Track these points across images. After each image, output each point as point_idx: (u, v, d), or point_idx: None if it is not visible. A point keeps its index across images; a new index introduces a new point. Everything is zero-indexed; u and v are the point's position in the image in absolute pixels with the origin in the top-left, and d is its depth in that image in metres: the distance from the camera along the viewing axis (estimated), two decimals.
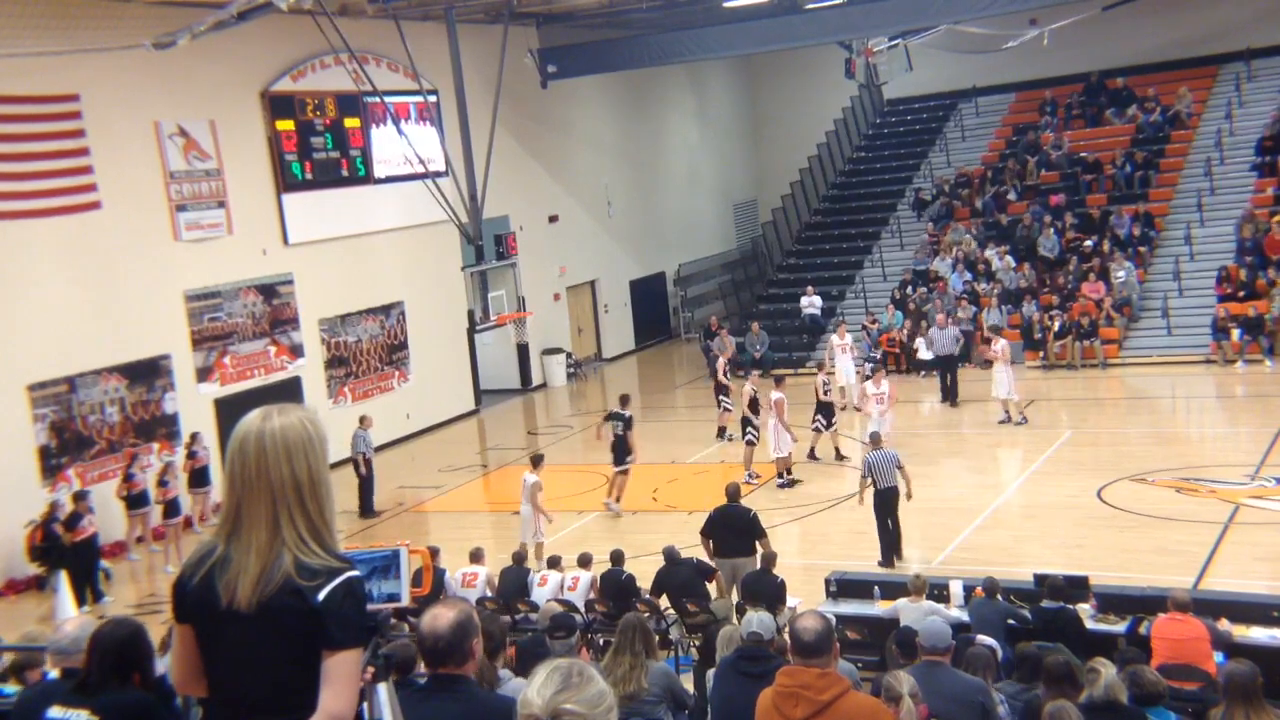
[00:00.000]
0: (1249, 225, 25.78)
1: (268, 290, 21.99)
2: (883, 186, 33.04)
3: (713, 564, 13.12)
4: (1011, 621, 10.27)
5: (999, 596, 10.62)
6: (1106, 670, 6.61)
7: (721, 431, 21.68)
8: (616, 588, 12.44)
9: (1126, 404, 23.19)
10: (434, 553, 12.97)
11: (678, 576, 12.36)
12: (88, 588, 16.13)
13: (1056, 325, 25.25)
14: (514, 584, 12.89)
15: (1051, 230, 27.68)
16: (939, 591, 11.31)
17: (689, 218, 35.09)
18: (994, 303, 26.14)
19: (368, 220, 24.00)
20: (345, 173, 23.72)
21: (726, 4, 26.02)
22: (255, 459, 3.03)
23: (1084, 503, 16.31)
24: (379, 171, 24.28)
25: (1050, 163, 30.11)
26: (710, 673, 7.26)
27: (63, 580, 15.73)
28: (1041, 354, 25.10)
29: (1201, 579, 13.10)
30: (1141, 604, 10.45)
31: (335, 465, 18.86)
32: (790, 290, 30.29)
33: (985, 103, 33.58)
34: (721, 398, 21.83)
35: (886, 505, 14.58)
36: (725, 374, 21.82)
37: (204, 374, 20.70)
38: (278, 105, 22.30)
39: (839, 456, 19.44)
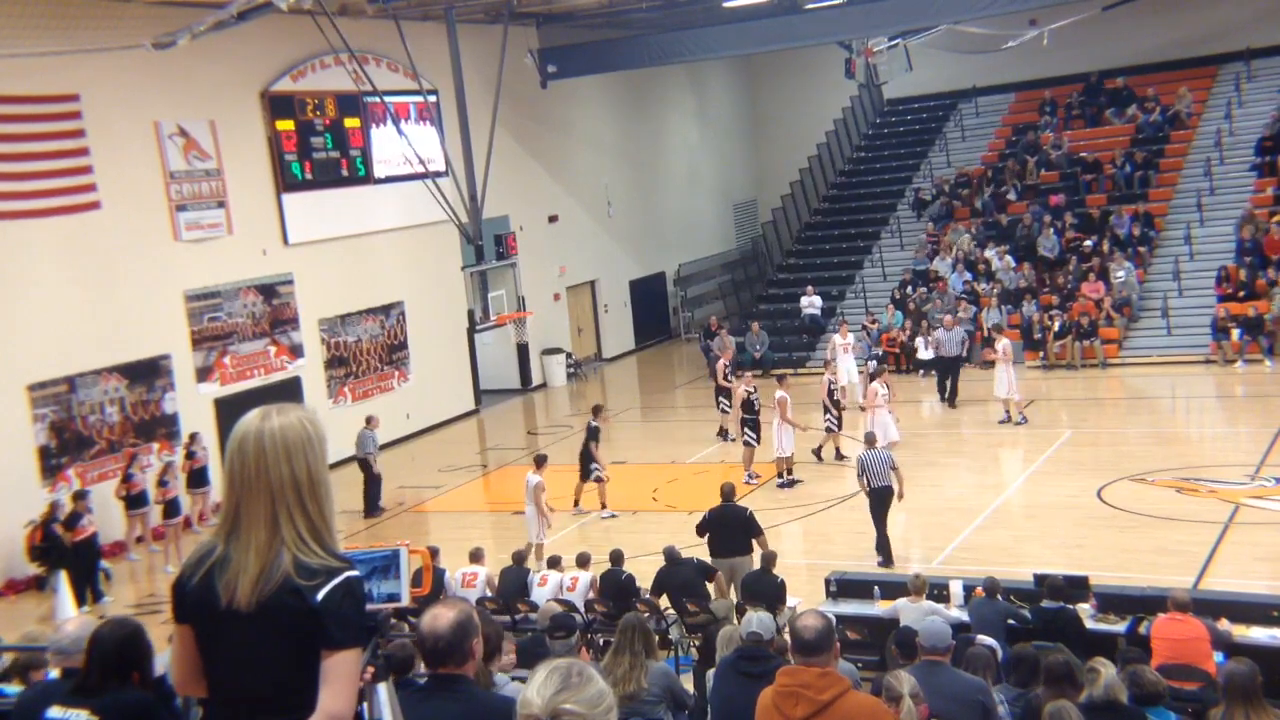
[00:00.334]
0: (1249, 225, 25.78)
1: (268, 290, 21.99)
2: (883, 186, 33.04)
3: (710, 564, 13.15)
4: (1011, 621, 10.27)
5: (999, 596, 10.62)
6: (1106, 670, 6.61)
7: (723, 433, 21.68)
8: (616, 588, 12.44)
9: (1126, 404, 23.19)
10: (434, 553, 12.96)
11: (678, 576, 12.35)
12: (88, 588, 16.14)
13: (1056, 325, 25.25)
14: (514, 584, 12.89)
15: (1051, 230, 27.69)
16: (939, 591, 11.31)
17: (689, 218, 35.09)
18: (994, 303, 26.14)
19: (368, 220, 24.00)
20: (345, 173, 23.72)
21: (726, 4, 26.02)
22: (255, 459, 3.03)
23: (1084, 503, 16.31)
24: (379, 171, 24.28)
25: (1050, 163, 30.11)
26: (710, 673, 7.26)
27: (63, 580, 15.74)
28: (1041, 354, 25.10)
29: (1201, 579, 13.10)
30: (1141, 604, 10.45)
31: (335, 465, 18.89)
32: (790, 290, 30.29)
33: (985, 103, 33.59)
34: (721, 399, 21.85)
35: (881, 504, 14.69)
36: (725, 375, 21.81)
37: (204, 374, 20.71)
38: (278, 105, 22.30)
39: (839, 456, 19.43)
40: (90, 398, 18.75)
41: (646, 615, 10.40)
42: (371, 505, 19.60)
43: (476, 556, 13.52)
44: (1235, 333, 23.75)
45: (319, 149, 23.13)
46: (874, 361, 22.45)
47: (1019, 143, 31.34)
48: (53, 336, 18.17)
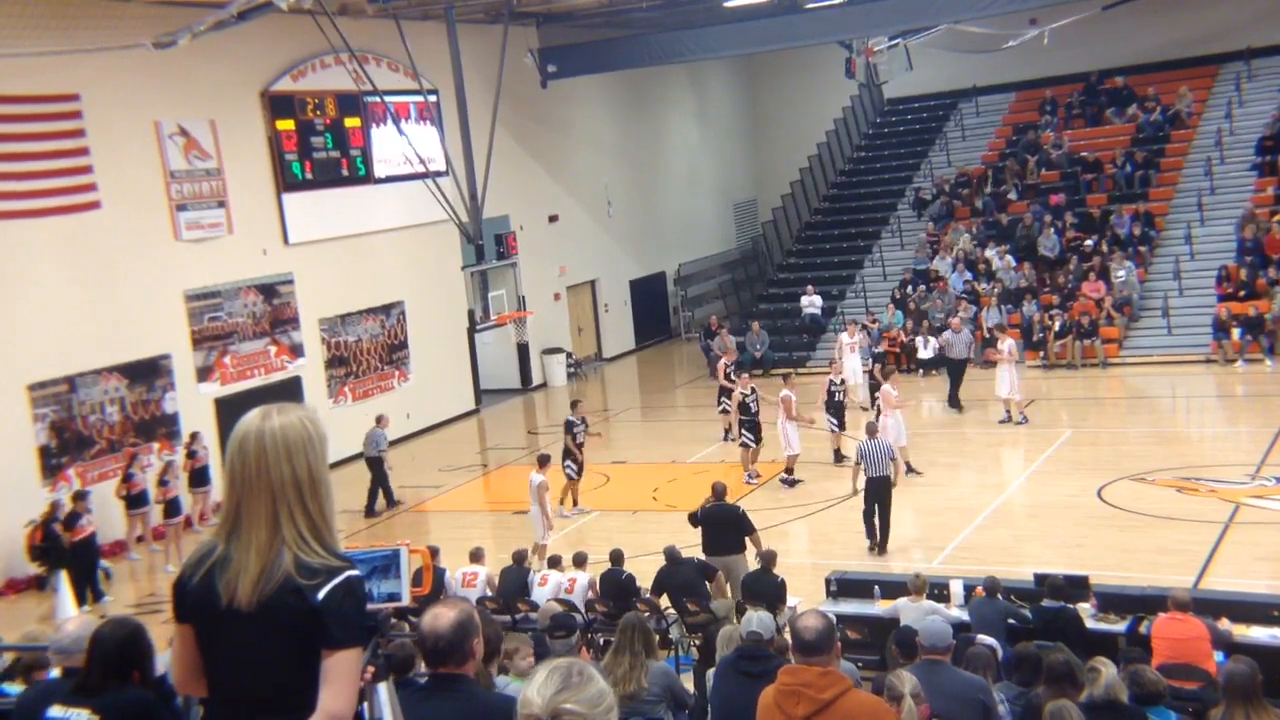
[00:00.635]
0: (1249, 225, 25.77)
1: (268, 290, 21.99)
2: (883, 186, 33.03)
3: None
4: (1012, 621, 10.27)
5: (999, 596, 10.62)
6: (1107, 669, 6.62)
7: (727, 433, 21.64)
8: (616, 588, 12.44)
9: (1127, 403, 23.19)
10: (434, 552, 12.98)
11: (678, 576, 12.35)
12: (88, 587, 16.14)
13: (1057, 325, 25.25)
14: (514, 584, 12.89)
15: (1052, 230, 27.69)
16: (939, 591, 11.31)
17: (689, 217, 35.09)
18: (993, 302, 26.14)
19: (368, 220, 24.00)
20: (345, 172, 23.73)
21: (726, 3, 26.02)
22: (255, 458, 3.03)
23: (1084, 502, 16.31)
24: (379, 171, 24.28)
25: (1050, 162, 30.11)
26: (710, 672, 7.27)
27: (63, 580, 15.75)
28: (1042, 353, 25.09)
29: (1202, 578, 13.10)
30: (1142, 603, 10.45)
31: (335, 465, 18.89)
32: (790, 290, 30.29)
33: (985, 102, 33.58)
34: (723, 399, 21.81)
35: (876, 494, 14.94)
36: (727, 375, 21.65)
37: (204, 374, 20.71)
38: (278, 105, 22.30)
39: (839, 458, 19.30)
40: (90, 397, 18.75)
41: (647, 615, 10.40)
42: (372, 502, 19.61)
43: (477, 556, 13.53)
44: (1236, 332, 23.74)
45: (319, 149, 23.13)
46: (876, 363, 22.40)
47: (1019, 142, 31.34)
48: (53, 336, 18.17)
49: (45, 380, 18.10)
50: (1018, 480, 18.23)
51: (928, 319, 26.38)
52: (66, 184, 18.48)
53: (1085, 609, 10.59)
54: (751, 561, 13.05)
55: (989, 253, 28.08)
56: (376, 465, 19.67)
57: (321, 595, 2.96)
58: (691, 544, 13.70)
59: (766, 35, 26.35)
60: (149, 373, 19.72)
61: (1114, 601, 10.75)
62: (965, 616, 10.52)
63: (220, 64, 20.56)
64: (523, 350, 28.25)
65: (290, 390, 21.69)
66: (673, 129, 35.19)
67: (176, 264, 20.24)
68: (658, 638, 9.39)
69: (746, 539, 13.23)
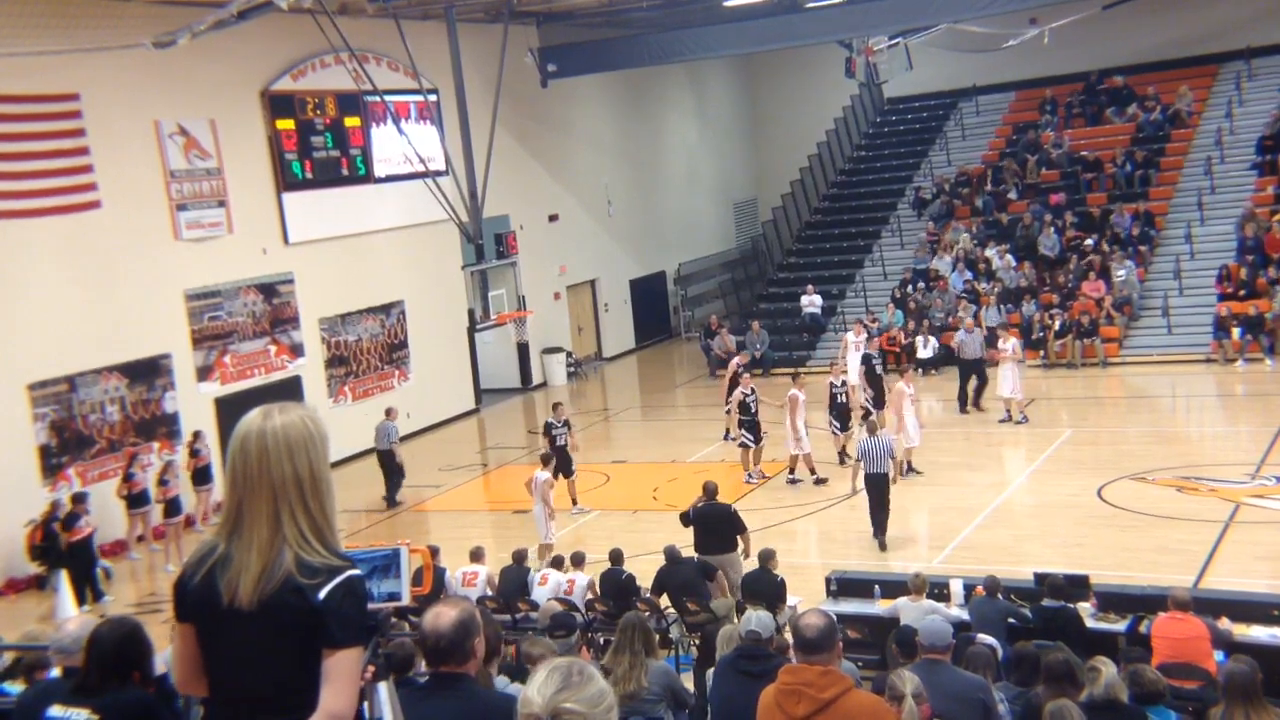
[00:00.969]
0: (1250, 224, 25.77)
1: (268, 289, 21.98)
2: (883, 185, 33.03)
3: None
4: (1012, 620, 10.27)
5: (999, 595, 10.62)
6: (1107, 669, 6.61)
7: (727, 433, 21.59)
8: (616, 587, 12.44)
9: (1127, 403, 23.19)
10: (434, 552, 12.98)
11: (679, 576, 12.36)
12: (87, 587, 16.14)
13: (1057, 324, 25.25)
14: (514, 583, 12.89)
15: (1052, 229, 27.69)
16: (939, 590, 11.31)
17: (689, 217, 35.09)
18: (993, 301, 26.13)
19: (368, 219, 24.00)
20: (345, 172, 23.72)
21: (726, 3, 26.02)
22: (257, 457, 3.03)
23: (1084, 502, 16.31)
24: (379, 170, 24.27)
25: (1050, 161, 30.11)
26: (710, 672, 7.26)
27: (63, 579, 15.75)
28: (1042, 353, 25.09)
29: (1202, 578, 13.10)
30: (1142, 603, 10.45)
31: (336, 464, 18.86)
32: (790, 289, 30.29)
33: (985, 101, 33.58)
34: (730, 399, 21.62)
35: (876, 490, 15.22)
36: (737, 375, 21.27)
37: (204, 373, 20.70)
38: (278, 104, 22.30)
39: (843, 460, 19.20)
40: (91, 397, 18.75)
41: (647, 614, 10.40)
42: (392, 492, 19.86)
43: (477, 555, 13.52)
44: (1236, 331, 23.74)
45: (319, 148, 23.13)
46: (862, 364, 22.16)
47: (1019, 141, 31.34)
48: (53, 336, 18.17)
49: (45, 380, 18.10)
50: (1018, 479, 18.22)
51: (928, 318, 26.38)
52: (66, 183, 18.47)
53: (1085, 608, 10.59)
54: (742, 561, 13.16)
55: (989, 252, 28.09)
56: (388, 458, 19.73)
57: (323, 595, 2.96)
58: (691, 544, 13.70)
59: (766, 35, 26.35)
60: (149, 372, 19.72)
61: (1114, 601, 10.75)
62: (965, 616, 10.51)
63: (220, 63, 20.55)
64: (523, 350, 28.24)
65: (290, 390, 21.69)
66: (673, 128, 35.19)
67: (176, 263, 20.24)
68: (658, 637, 9.38)
69: (737, 537, 13.31)
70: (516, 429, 25.78)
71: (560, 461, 17.66)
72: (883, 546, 15.19)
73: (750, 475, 18.79)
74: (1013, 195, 29.86)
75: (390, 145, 23.94)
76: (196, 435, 19.36)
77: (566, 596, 12.32)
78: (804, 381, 19.04)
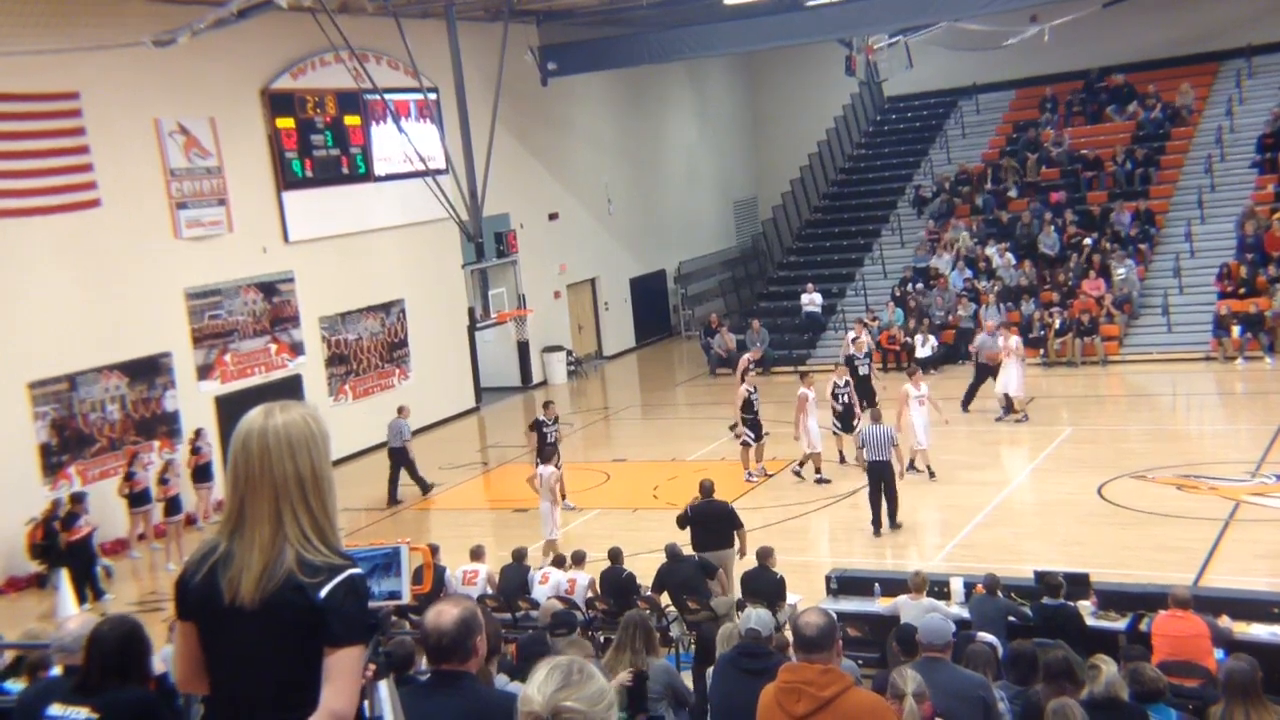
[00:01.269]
0: (1250, 222, 25.77)
1: (268, 288, 21.98)
2: (883, 184, 33.03)
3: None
4: (1012, 618, 10.28)
5: (999, 593, 10.63)
6: (1107, 667, 6.61)
7: (734, 427, 21.51)
8: (616, 586, 12.45)
9: (1127, 401, 23.19)
10: (434, 550, 12.98)
11: (679, 574, 12.36)
12: (87, 586, 16.14)
13: (1057, 322, 25.24)
14: (514, 582, 12.90)
15: (1052, 227, 27.68)
16: (939, 588, 11.32)
17: (689, 215, 35.08)
18: (992, 300, 26.12)
19: (368, 218, 23.99)
20: (345, 170, 23.71)
21: (726, 1, 26.00)
22: (258, 456, 3.04)
23: (1084, 500, 16.31)
24: (379, 169, 24.27)
25: (1051, 160, 30.11)
26: (709, 670, 7.27)
27: (64, 578, 15.75)
28: (1042, 351, 25.08)
29: (1202, 576, 13.11)
30: (1142, 601, 10.45)
31: (337, 462, 18.84)
32: (790, 288, 30.29)
33: (986, 100, 33.57)
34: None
35: (878, 477, 15.52)
36: (746, 373, 21.07)
37: (204, 372, 20.71)
38: (278, 103, 22.29)
39: (843, 460, 19.19)
40: (91, 395, 18.76)
41: (647, 612, 10.41)
42: (421, 485, 20.05)
43: (477, 554, 13.53)
44: (1236, 330, 23.74)
45: (319, 147, 23.13)
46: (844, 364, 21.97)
47: (1019, 140, 31.33)
48: (53, 334, 18.17)
49: (46, 378, 18.10)
50: (1018, 478, 18.23)
51: (928, 317, 26.38)
52: (66, 182, 18.47)
53: (1085, 607, 10.59)
54: (738, 558, 13.23)
55: (989, 250, 28.08)
56: (400, 455, 19.78)
57: (324, 593, 2.97)
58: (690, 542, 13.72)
59: (766, 33, 26.35)
60: (149, 371, 19.72)
61: (1114, 599, 10.75)
62: (965, 614, 10.52)
63: (220, 62, 20.55)
64: (523, 348, 28.24)
65: (290, 388, 21.69)
66: (673, 127, 35.18)
67: (177, 262, 20.24)
68: (659, 635, 9.39)
69: (734, 533, 13.38)
70: (517, 428, 25.74)
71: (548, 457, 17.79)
72: (876, 533, 15.55)
73: (751, 474, 18.79)
74: (1013, 193, 29.86)
75: (390, 144, 23.94)
76: (198, 433, 19.36)
77: (568, 595, 12.33)
78: (813, 380, 18.96)
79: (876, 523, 15.64)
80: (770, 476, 18.89)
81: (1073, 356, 24.90)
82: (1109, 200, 28.25)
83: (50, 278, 18.26)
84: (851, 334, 23.25)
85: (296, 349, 22.52)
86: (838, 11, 26.30)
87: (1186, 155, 28.90)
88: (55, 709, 4.24)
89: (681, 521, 13.70)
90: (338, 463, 19.12)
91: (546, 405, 18.99)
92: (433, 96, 24.43)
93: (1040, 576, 10.85)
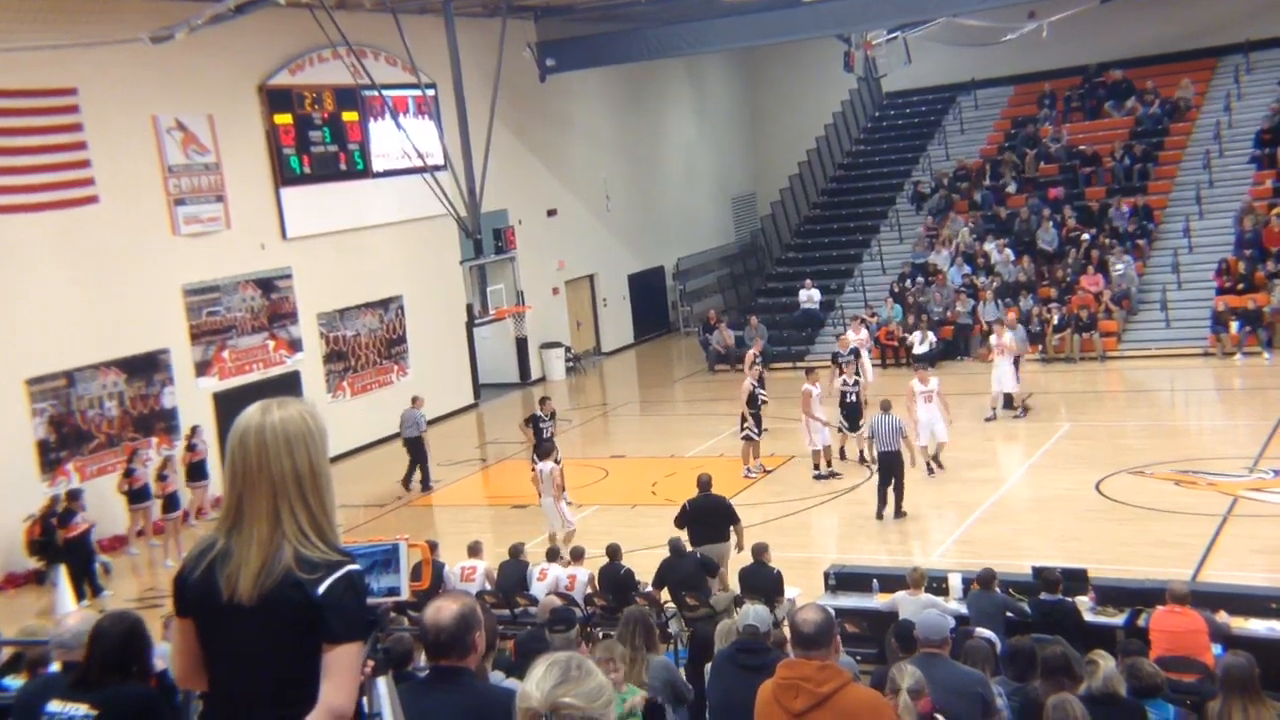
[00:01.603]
0: (1248, 217, 25.78)
1: (266, 284, 21.97)
2: (881, 180, 33.02)
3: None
4: (1010, 614, 10.28)
5: (996, 588, 10.63)
6: (1105, 662, 6.62)
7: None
8: (615, 582, 12.45)
9: (1125, 397, 23.21)
10: (433, 546, 12.98)
11: (681, 569, 12.37)
12: (86, 582, 16.14)
13: (1055, 318, 25.25)
14: (513, 578, 12.90)
15: (1050, 223, 27.69)
16: (938, 584, 11.32)
17: (687, 212, 35.07)
18: (990, 296, 26.12)
19: (366, 214, 23.98)
20: (343, 167, 23.70)
21: None
22: (256, 452, 3.04)
23: (1082, 495, 16.32)
24: (377, 165, 24.25)
25: (1049, 155, 30.11)
26: (707, 667, 7.28)
27: (62, 574, 15.73)
28: (1040, 347, 25.09)
29: (1200, 571, 13.11)
30: (1140, 596, 10.46)
31: (335, 459, 18.85)
32: (789, 284, 30.27)
33: (984, 95, 33.56)
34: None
35: (889, 467, 15.76)
36: (752, 367, 21.03)
37: (202, 368, 20.70)
38: (276, 99, 22.27)
39: (843, 457, 19.16)
40: (89, 392, 18.75)
41: (647, 608, 10.40)
42: (410, 476, 20.13)
43: (475, 550, 13.53)
44: (1234, 325, 23.75)
45: (317, 143, 23.11)
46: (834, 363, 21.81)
47: (1018, 135, 31.33)
48: (51, 331, 18.16)
49: (43, 375, 18.09)
50: (1016, 474, 18.24)
51: (926, 313, 26.38)
52: (64, 178, 18.45)
53: (1084, 602, 10.60)
54: (734, 553, 13.30)
55: (987, 246, 28.08)
56: (416, 445, 19.81)
57: (322, 589, 2.97)
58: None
59: (764, 29, 26.33)
60: (147, 367, 19.71)
61: (1112, 595, 10.76)
62: (964, 610, 10.53)
63: (218, 58, 20.53)
64: (521, 344, 28.23)
65: (289, 385, 21.69)
66: (671, 123, 35.16)
67: (174, 258, 20.22)
68: (658, 631, 9.39)
69: (731, 528, 13.44)
70: (515, 424, 25.67)
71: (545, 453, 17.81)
72: (879, 516, 15.83)
73: (750, 470, 18.79)
74: (1011, 189, 29.85)
75: (388, 140, 23.92)
76: (194, 430, 19.36)
77: (567, 592, 12.34)
78: (818, 376, 18.90)
79: (881, 510, 15.90)
80: (769, 473, 18.89)
81: (1071, 352, 24.91)
82: (1107, 196, 28.25)
83: (48, 274, 18.24)
84: (850, 333, 23.24)
85: (295, 345, 22.51)
86: (836, 7, 26.27)
87: (1185, 151, 28.90)
88: (54, 705, 4.24)
89: (680, 520, 13.68)
90: (336, 459, 19.12)
91: (543, 401, 19.01)
92: (431, 92, 24.41)
93: (1038, 572, 10.84)
